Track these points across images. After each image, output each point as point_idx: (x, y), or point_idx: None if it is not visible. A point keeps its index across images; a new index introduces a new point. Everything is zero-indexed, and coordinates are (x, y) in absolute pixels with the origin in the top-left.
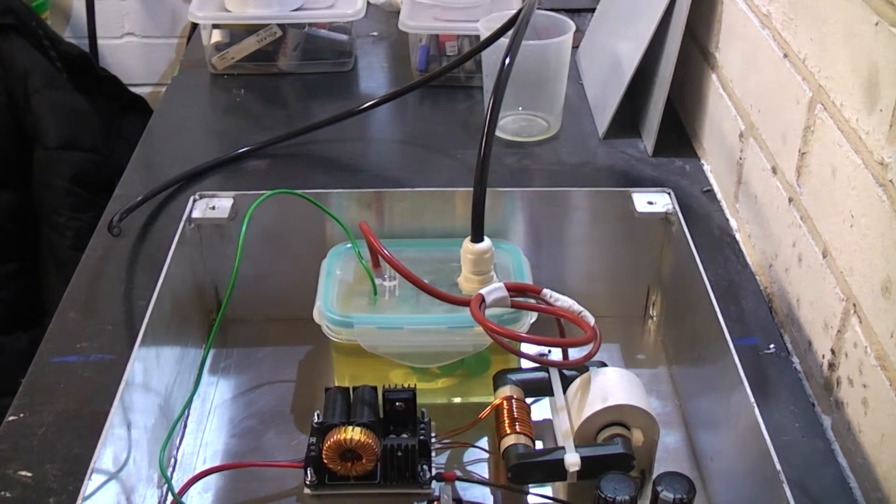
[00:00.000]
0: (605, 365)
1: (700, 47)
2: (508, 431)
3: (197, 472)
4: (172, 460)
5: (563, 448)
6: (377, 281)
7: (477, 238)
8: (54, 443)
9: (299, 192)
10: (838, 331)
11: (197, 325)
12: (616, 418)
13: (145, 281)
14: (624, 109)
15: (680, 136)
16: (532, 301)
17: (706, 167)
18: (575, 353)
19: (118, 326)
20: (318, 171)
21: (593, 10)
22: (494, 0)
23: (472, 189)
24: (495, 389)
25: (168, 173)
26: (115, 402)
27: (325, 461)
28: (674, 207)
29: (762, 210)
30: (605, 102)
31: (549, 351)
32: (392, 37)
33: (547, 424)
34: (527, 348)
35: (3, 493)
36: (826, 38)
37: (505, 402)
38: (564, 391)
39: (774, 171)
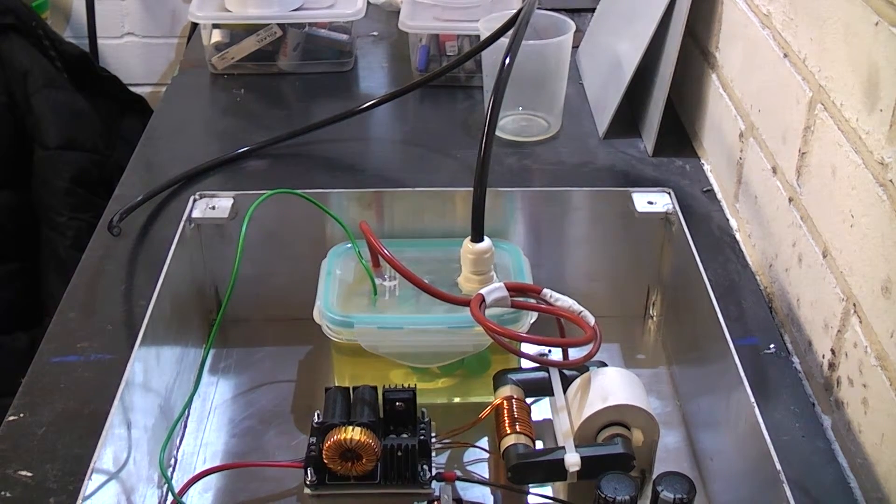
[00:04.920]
0: (605, 365)
1: (700, 47)
2: (508, 431)
3: (197, 472)
4: (172, 460)
5: (563, 448)
6: (377, 281)
7: (477, 238)
8: (54, 443)
9: (299, 192)
10: (838, 331)
11: (197, 325)
12: (616, 418)
13: (145, 281)
14: (624, 109)
15: (680, 136)
16: (532, 301)
17: (706, 167)
18: (575, 353)
19: (118, 326)
20: (318, 171)
21: (593, 10)
22: (494, 0)
23: (472, 189)
24: (495, 389)
25: (168, 173)
26: (115, 402)
27: (325, 461)
28: (674, 207)
29: (762, 210)
30: (605, 102)
31: (549, 351)
32: (392, 37)
33: (547, 424)
34: (527, 348)
35: (3, 493)
36: (826, 38)
37: (505, 402)
38: (564, 391)
39: (774, 170)
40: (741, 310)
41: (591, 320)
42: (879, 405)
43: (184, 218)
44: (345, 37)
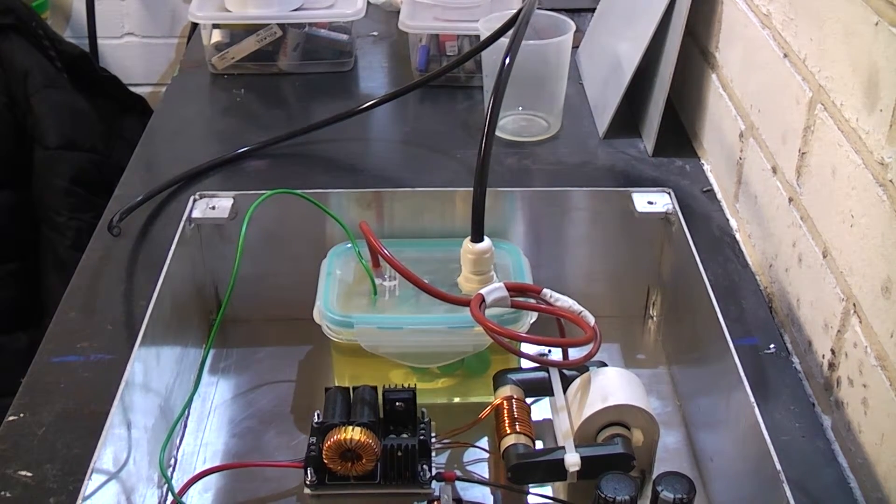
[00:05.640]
0: (605, 365)
1: (700, 47)
2: (508, 431)
3: (197, 472)
4: (172, 460)
5: (563, 448)
6: (377, 281)
7: (477, 238)
8: (54, 443)
9: (299, 192)
10: (838, 331)
11: (197, 325)
12: (616, 418)
13: (145, 281)
14: (624, 109)
15: (680, 136)
16: (532, 301)
17: (706, 167)
18: (575, 353)
19: (118, 326)
20: (318, 171)
21: (593, 10)
22: (494, 0)
23: (472, 189)
24: (495, 389)
25: (168, 173)
26: (115, 402)
27: (325, 461)
28: (674, 207)
29: (762, 210)
30: (605, 102)
31: (549, 351)
32: (392, 37)
33: (547, 424)
34: (527, 348)
35: (3, 493)
36: (826, 38)
37: (505, 402)
38: (564, 391)
39: (774, 170)
40: (741, 310)
41: (591, 320)
42: (879, 405)
43: (184, 218)
44: (345, 37)
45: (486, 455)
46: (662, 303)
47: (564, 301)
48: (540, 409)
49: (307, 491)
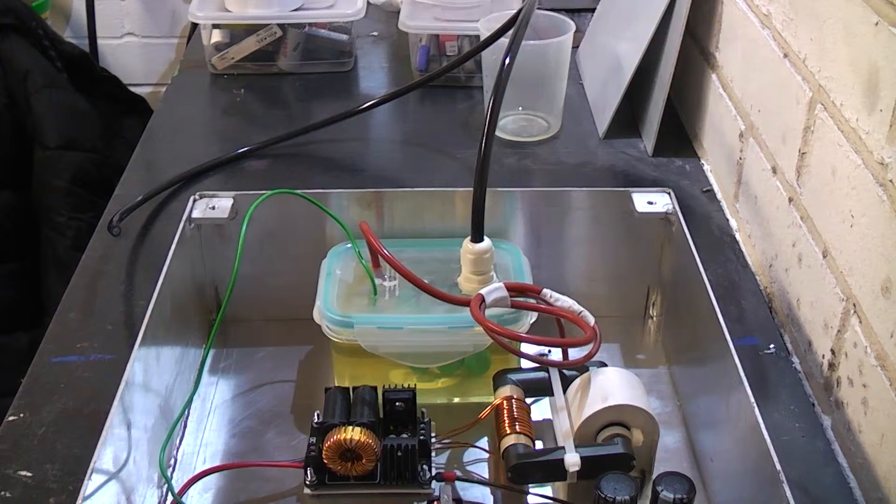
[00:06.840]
0: (605, 365)
1: (700, 47)
2: (508, 431)
3: (197, 472)
4: (172, 460)
5: (563, 448)
6: (377, 281)
7: (477, 238)
8: (54, 443)
9: (299, 192)
10: (838, 331)
11: (197, 325)
12: (616, 418)
13: (145, 281)
14: (624, 109)
15: (680, 136)
16: (532, 301)
17: (706, 167)
18: (575, 353)
19: (118, 326)
20: (318, 171)
21: (593, 10)
22: (494, 0)
23: (472, 189)
24: (495, 389)
25: (168, 173)
26: (115, 402)
27: (325, 461)
28: (674, 207)
29: (762, 210)
30: (605, 102)
31: (549, 351)
32: (392, 37)
33: (547, 424)
34: (527, 348)
35: (3, 493)
36: (826, 38)
37: (505, 402)
38: (564, 391)
39: (774, 171)
40: (741, 310)
41: (591, 320)
42: (879, 405)
43: (184, 218)
44: (345, 37)
45: (486, 455)
46: (662, 303)
47: (564, 301)
48: (540, 409)
49: (307, 491)
